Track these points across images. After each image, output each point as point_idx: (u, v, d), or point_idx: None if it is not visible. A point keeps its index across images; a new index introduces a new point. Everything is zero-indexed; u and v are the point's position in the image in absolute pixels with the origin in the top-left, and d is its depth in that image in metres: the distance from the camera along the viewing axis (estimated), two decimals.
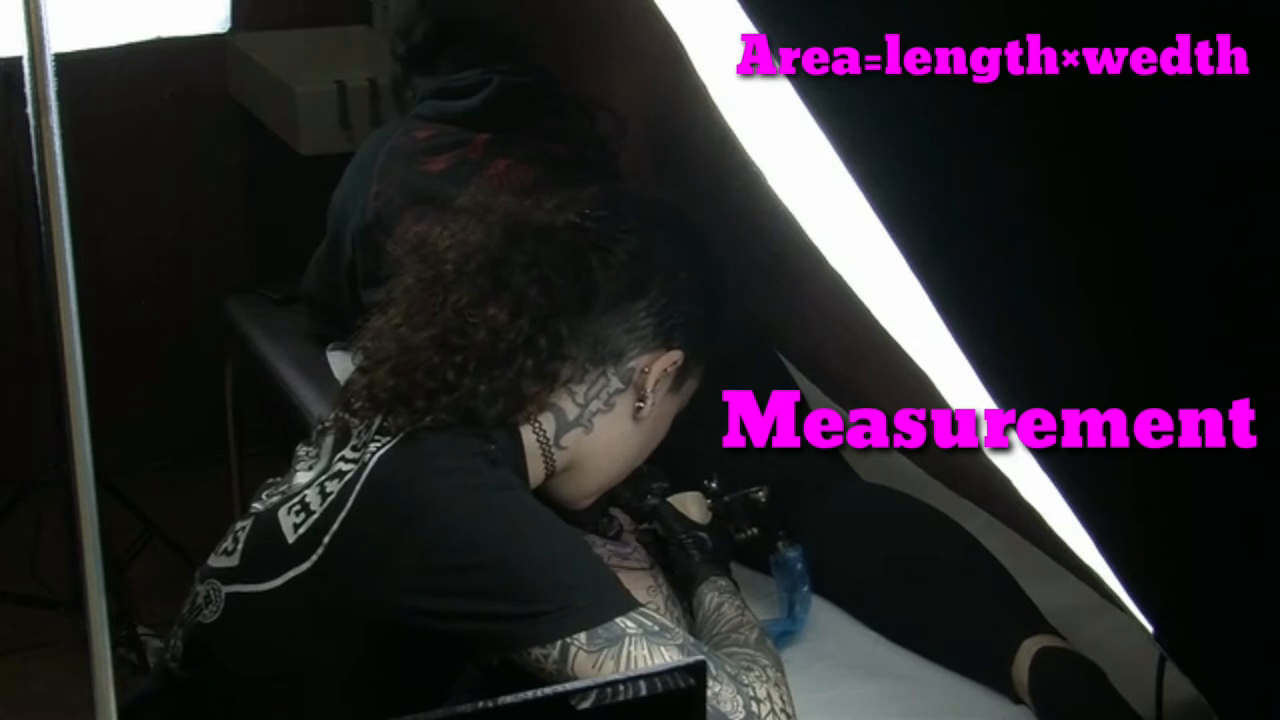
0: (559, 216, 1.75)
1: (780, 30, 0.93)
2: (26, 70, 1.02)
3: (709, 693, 1.50)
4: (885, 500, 2.09)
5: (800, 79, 0.92)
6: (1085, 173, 0.89)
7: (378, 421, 1.65)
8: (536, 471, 1.71)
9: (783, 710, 1.57)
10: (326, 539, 1.58)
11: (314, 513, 1.61)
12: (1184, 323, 0.91)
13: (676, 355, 1.74)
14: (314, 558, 1.58)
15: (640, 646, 1.51)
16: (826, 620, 1.99)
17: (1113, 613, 1.74)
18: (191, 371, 3.55)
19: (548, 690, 1.07)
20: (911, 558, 1.97)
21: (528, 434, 1.69)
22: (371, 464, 1.60)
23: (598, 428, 1.72)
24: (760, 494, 1.91)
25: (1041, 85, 0.86)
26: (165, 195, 3.72)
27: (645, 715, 1.13)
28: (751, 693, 1.54)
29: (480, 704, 1.07)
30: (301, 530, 1.60)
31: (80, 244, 1.06)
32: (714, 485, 1.93)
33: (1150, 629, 1.10)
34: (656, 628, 1.54)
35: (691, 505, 1.91)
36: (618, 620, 1.52)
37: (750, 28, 0.96)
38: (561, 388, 1.69)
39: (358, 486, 1.59)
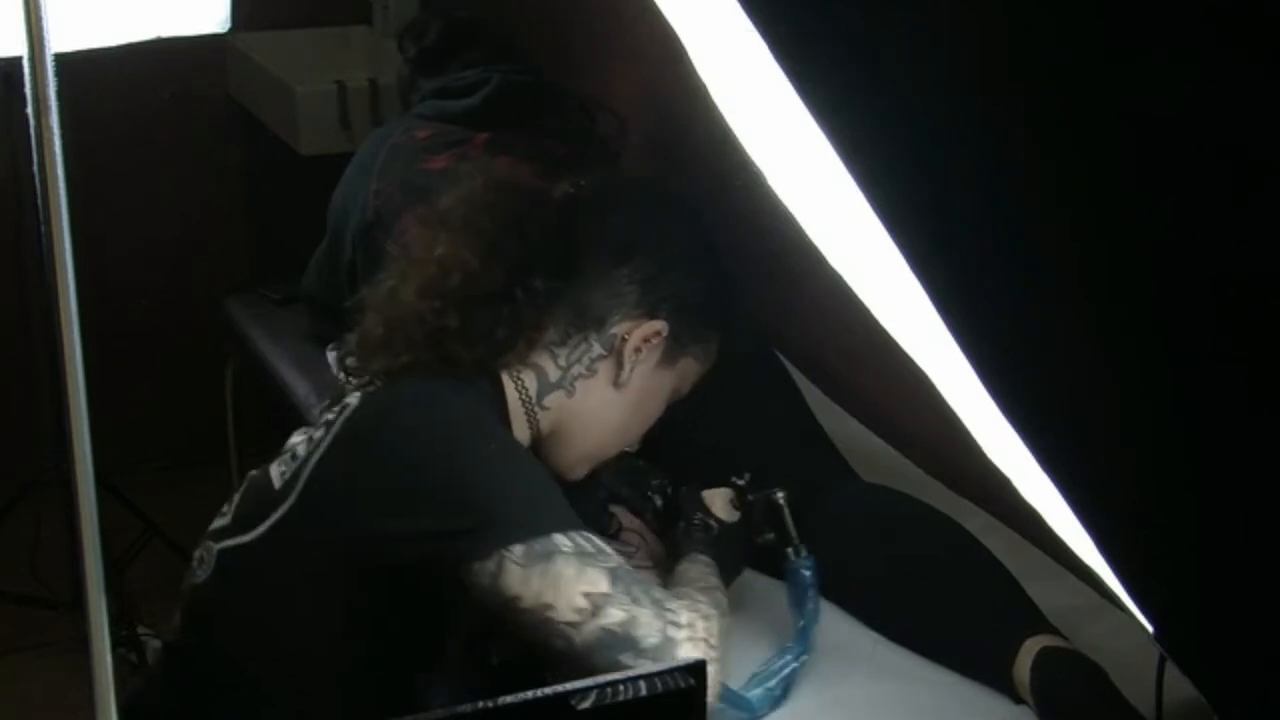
0: (556, 186, 1.80)
1: (780, 30, 0.93)
2: (26, 70, 1.02)
3: (625, 616, 1.50)
4: (885, 500, 2.08)
5: (800, 79, 0.92)
6: (1085, 173, 0.89)
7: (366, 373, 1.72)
8: (521, 431, 1.74)
9: (703, 640, 1.55)
10: (305, 474, 1.64)
11: (299, 458, 1.67)
12: (1184, 323, 0.91)
13: (659, 325, 1.75)
14: (293, 496, 1.64)
15: (570, 565, 1.52)
16: (826, 620, 1.98)
17: (1113, 613, 1.74)
18: (191, 371, 3.55)
19: (548, 690, 1.08)
20: (911, 558, 1.97)
21: (509, 387, 1.71)
22: (352, 405, 1.67)
23: (580, 392, 1.74)
24: (779, 496, 1.88)
25: (1041, 85, 0.86)
26: (165, 195, 3.72)
27: (645, 715, 1.13)
28: (672, 617, 1.53)
29: (480, 704, 1.08)
30: (286, 476, 1.67)
31: (80, 244, 1.06)
32: (743, 483, 1.90)
33: (1150, 629, 1.10)
34: (592, 549, 1.54)
35: (718, 500, 1.89)
36: (555, 535, 1.53)
37: (750, 28, 0.96)
38: (544, 349, 1.73)
39: (336, 426, 1.66)
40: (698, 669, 1.14)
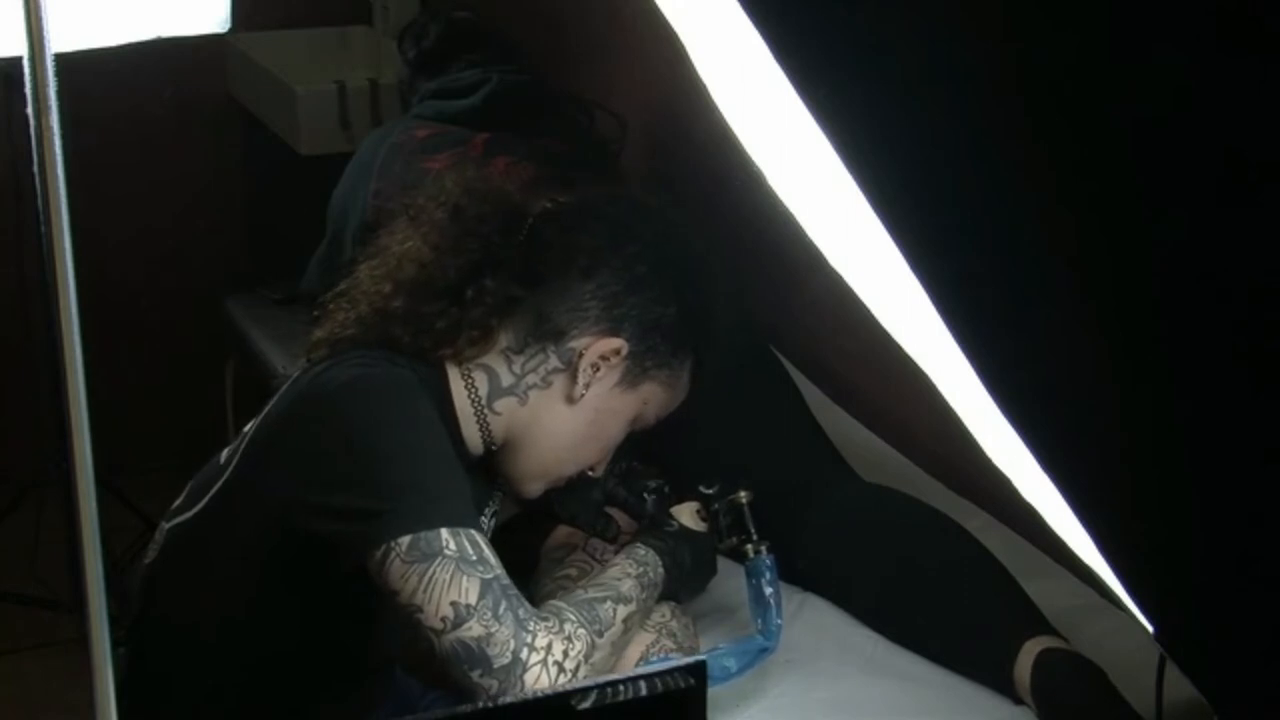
0: (535, 201, 1.80)
1: (780, 30, 0.93)
2: (26, 70, 1.02)
3: (482, 633, 1.52)
4: (885, 500, 2.08)
5: (800, 79, 0.92)
6: (1085, 172, 0.89)
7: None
8: (471, 433, 1.74)
9: (556, 664, 1.55)
10: (243, 446, 1.68)
11: (245, 434, 1.71)
12: (1184, 322, 0.91)
13: (618, 343, 1.74)
14: (231, 467, 1.68)
15: (446, 570, 1.53)
16: (827, 620, 1.98)
17: (1113, 613, 1.74)
18: (191, 371, 3.54)
19: (548, 690, 1.08)
20: (911, 558, 1.96)
21: (456, 382, 1.72)
22: (293, 377, 1.72)
23: (533, 402, 1.75)
24: (742, 497, 1.86)
25: (1041, 85, 0.86)
26: (165, 196, 3.72)
27: (645, 715, 1.13)
28: (528, 639, 1.53)
29: (480, 704, 1.08)
30: (231, 451, 1.71)
31: (80, 244, 1.06)
32: (710, 491, 1.89)
33: (1150, 629, 1.10)
34: (473, 556, 1.55)
35: (685, 513, 1.89)
36: (442, 531, 1.54)
37: (750, 27, 0.96)
38: (500, 353, 1.74)
39: (275, 396, 1.70)
40: (698, 669, 1.14)
